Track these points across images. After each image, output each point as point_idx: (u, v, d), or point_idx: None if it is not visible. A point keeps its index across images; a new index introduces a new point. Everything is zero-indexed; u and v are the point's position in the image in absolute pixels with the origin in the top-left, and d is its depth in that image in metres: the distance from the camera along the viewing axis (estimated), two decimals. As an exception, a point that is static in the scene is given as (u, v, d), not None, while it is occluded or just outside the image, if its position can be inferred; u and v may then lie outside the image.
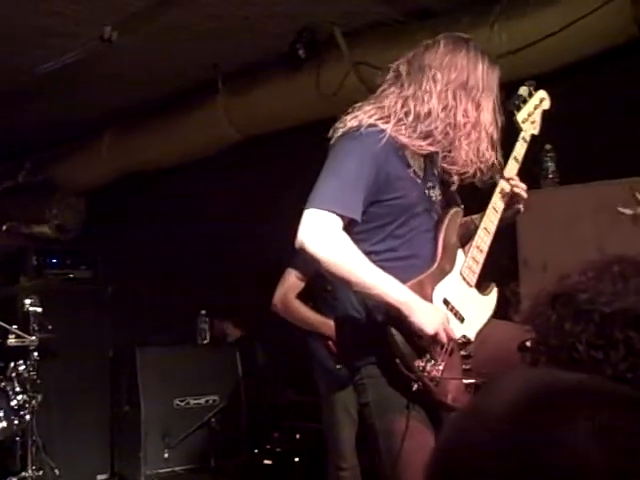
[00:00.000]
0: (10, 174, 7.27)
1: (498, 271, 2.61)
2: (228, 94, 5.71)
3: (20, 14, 4.63)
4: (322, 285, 3.88)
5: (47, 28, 4.86)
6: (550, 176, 4.04)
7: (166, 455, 5.40)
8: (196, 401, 5.61)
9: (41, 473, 4.86)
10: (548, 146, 3.97)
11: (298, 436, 5.27)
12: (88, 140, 6.80)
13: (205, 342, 5.88)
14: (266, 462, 5.48)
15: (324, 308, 3.89)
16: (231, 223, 6.26)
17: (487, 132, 2.41)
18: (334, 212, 2.24)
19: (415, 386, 2.25)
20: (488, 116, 2.41)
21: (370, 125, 2.34)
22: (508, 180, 2.51)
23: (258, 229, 6.02)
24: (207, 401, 5.64)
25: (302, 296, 3.95)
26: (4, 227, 6.50)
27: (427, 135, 2.38)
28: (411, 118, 2.36)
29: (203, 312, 5.85)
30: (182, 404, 5.56)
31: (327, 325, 3.76)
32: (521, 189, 2.54)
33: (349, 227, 2.29)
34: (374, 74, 4.74)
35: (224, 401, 5.67)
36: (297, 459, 5.26)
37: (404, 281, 2.25)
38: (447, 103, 2.36)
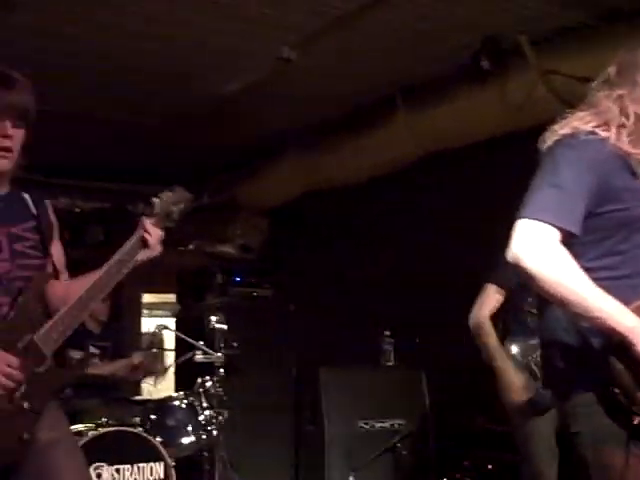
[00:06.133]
0: (195, 195, 7.49)
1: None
2: (408, 110, 5.62)
3: (198, 36, 4.76)
4: (520, 304, 3.73)
5: (226, 50, 4.96)
6: None
7: (351, 479, 5.32)
8: (381, 424, 5.49)
9: (227, 489, 4.93)
10: None
11: (490, 467, 5.04)
12: (270, 160, 6.92)
13: (389, 364, 5.78)
14: (455, 491, 5.30)
15: (516, 327, 3.74)
16: (415, 242, 6.15)
17: None
18: (551, 224, 2.06)
19: (637, 420, 2.05)
20: None
21: (589, 133, 2.16)
22: None
23: (444, 248, 5.88)
24: (392, 425, 5.51)
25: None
26: (191, 246, 6.69)
27: None
28: (631, 121, 2.17)
29: (387, 333, 5.76)
30: (367, 427, 5.46)
31: (507, 372, 3.62)
32: None
33: (563, 242, 2.11)
34: (565, 83, 4.55)
35: (410, 426, 5.52)
36: (489, 491, 5.05)
37: (624, 303, 2.05)
38: None
